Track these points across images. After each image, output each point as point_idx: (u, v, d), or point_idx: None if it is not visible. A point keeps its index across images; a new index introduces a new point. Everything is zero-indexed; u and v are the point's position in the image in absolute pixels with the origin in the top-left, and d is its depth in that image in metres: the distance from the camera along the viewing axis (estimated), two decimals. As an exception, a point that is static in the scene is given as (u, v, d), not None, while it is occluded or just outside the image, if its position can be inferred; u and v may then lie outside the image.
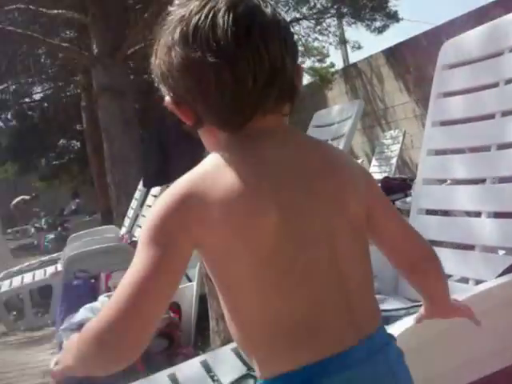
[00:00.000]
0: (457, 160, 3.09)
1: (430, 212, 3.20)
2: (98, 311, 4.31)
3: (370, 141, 13.62)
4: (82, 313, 4.41)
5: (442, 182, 3.19)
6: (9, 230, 20.97)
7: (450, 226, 3.01)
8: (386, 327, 2.19)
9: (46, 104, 19.72)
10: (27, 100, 19.92)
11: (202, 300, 4.23)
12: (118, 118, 11.02)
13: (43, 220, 20.10)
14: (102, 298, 4.55)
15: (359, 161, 12.72)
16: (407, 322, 1.90)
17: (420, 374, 1.90)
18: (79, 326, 4.25)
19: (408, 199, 6.51)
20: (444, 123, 3.24)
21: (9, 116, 19.72)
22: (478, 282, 2.73)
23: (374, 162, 11.39)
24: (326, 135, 5.42)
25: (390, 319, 2.61)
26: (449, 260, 2.92)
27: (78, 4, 11.88)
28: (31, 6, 11.52)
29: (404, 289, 3.10)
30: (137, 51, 12.38)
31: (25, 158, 20.45)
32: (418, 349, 1.86)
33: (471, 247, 2.87)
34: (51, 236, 15.29)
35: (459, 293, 2.68)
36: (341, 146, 4.99)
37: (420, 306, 2.64)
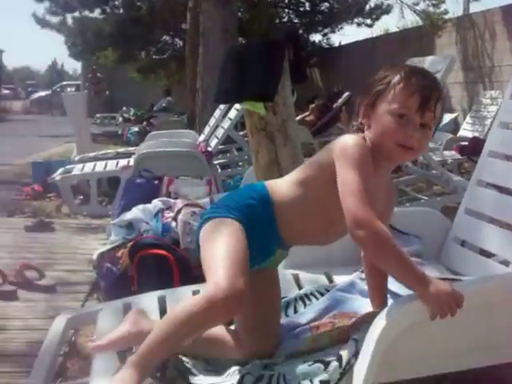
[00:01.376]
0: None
1: (489, 186, 3.12)
2: (149, 213, 4.42)
3: (470, 96, 13.19)
4: (134, 212, 4.52)
5: (509, 158, 3.06)
6: (97, 115, 21.39)
7: (505, 205, 2.91)
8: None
9: (155, -2, 19.72)
10: (138, -10, 19.94)
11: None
12: (218, 25, 10.98)
13: (132, 111, 20.40)
14: (155, 201, 4.64)
15: (454, 115, 12.41)
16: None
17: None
18: (128, 224, 4.37)
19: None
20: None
21: (116, 3, 19.76)
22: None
23: (468, 118, 11.02)
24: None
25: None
26: (495, 238, 2.87)
27: None
28: None
29: (447, 258, 3.07)
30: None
31: (126, 47, 20.53)
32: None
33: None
34: (135, 129, 15.52)
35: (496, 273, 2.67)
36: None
37: (457, 280, 2.64)
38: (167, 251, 3.95)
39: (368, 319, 2.01)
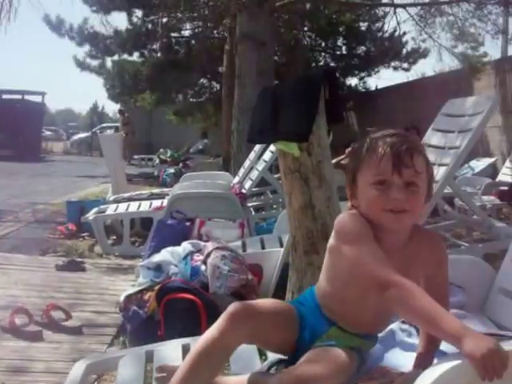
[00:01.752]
0: None
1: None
2: (178, 255, 4.26)
3: (509, 141, 12.95)
4: (163, 254, 4.38)
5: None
6: (135, 157, 21.58)
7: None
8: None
9: (193, 42, 19.87)
10: (175, 35, 20.07)
11: (285, 269, 4.09)
12: (253, 67, 10.95)
13: (169, 153, 20.52)
14: (185, 243, 4.50)
15: (493, 159, 12.16)
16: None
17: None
18: (156, 267, 4.22)
19: (531, 211, 6.14)
20: None
21: (155, 47, 19.92)
22: None
23: (507, 163, 10.79)
24: (453, 126, 5.14)
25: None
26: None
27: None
28: None
29: (492, 310, 2.85)
30: (286, 5, 12.26)
31: (164, 90, 20.73)
32: None
33: None
34: (171, 170, 15.58)
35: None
36: (465, 141, 4.71)
37: (495, 335, 2.42)
38: (195, 295, 3.81)
39: (409, 380, 1.82)
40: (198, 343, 1.96)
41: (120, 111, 23.78)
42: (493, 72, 13.79)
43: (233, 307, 1.95)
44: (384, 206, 1.91)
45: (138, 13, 18.85)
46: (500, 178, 10.29)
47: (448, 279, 2.17)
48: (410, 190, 1.90)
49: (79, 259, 6.46)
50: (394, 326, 2.47)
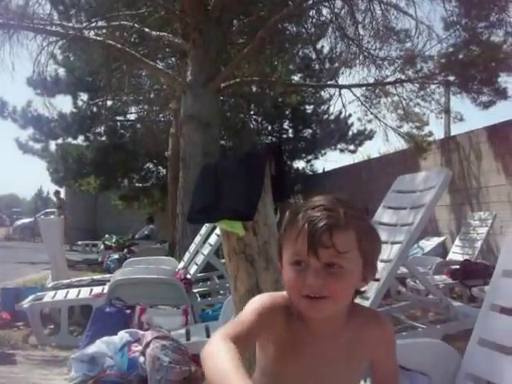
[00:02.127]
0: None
1: (505, 311, 2.67)
2: (114, 346, 3.92)
3: (457, 219, 12.98)
4: (97, 345, 4.05)
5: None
6: (79, 243, 21.18)
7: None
8: None
9: (138, 125, 19.83)
10: (121, 118, 20.06)
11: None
12: (198, 148, 10.78)
13: (114, 239, 20.16)
14: (122, 333, 4.17)
15: (442, 238, 12.16)
16: None
17: None
18: (90, 359, 3.89)
19: (486, 288, 5.99)
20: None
21: (100, 130, 19.82)
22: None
23: (457, 241, 10.77)
24: (405, 202, 4.98)
25: None
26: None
27: (181, 30, 11.77)
28: (136, 25, 11.55)
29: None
30: (231, 86, 12.23)
31: (108, 174, 20.65)
32: None
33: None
34: (115, 256, 15.20)
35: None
36: (419, 217, 4.54)
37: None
38: (133, 392, 3.46)
39: None
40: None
41: (55, 193, 23.33)
42: (438, 151, 13.94)
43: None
44: (300, 291, 1.62)
45: (83, 96, 18.79)
46: (450, 256, 10.28)
47: (397, 365, 1.89)
48: (331, 272, 1.59)
49: (11, 351, 6.05)
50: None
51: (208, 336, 4.71)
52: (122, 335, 4.09)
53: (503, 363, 2.51)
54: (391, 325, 1.90)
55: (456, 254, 10.23)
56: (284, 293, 1.73)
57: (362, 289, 1.75)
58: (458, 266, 8.25)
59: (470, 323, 4.37)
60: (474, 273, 7.73)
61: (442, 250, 11.65)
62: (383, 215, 5.17)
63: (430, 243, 11.84)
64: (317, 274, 1.59)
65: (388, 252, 4.57)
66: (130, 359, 3.81)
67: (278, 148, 3.73)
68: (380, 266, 4.57)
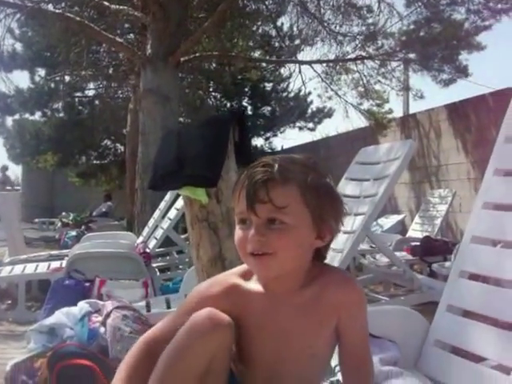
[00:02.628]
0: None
1: (473, 277, 2.64)
2: (74, 317, 3.83)
3: (417, 197, 13.05)
4: (56, 316, 3.94)
5: (496, 243, 2.61)
6: (36, 220, 20.93)
7: (495, 298, 2.44)
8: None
9: (96, 102, 19.57)
10: (79, 94, 19.77)
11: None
12: (158, 122, 10.66)
13: (71, 216, 19.96)
14: (81, 303, 4.07)
15: (401, 216, 12.21)
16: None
17: None
18: (49, 330, 3.81)
19: (447, 264, 6.05)
20: (509, 173, 2.68)
21: (58, 106, 19.50)
22: (521, 375, 2.17)
23: (417, 219, 10.83)
24: (368, 174, 4.94)
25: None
26: (488, 340, 2.37)
27: (141, 3, 11.60)
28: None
29: (428, 365, 2.55)
30: (191, 60, 12.11)
31: (66, 151, 20.43)
32: None
33: (517, 328, 2.31)
34: (73, 233, 15.00)
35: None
36: (382, 188, 4.50)
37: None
38: (93, 361, 3.37)
39: None
40: (169, 350, 1.63)
41: (2, 168, 22.88)
42: (398, 129, 13.98)
43: (208, 313, 1.64)
44: (246, 249, 1.62)
45: (41, 72, 18.45)
46: (410, 234, 10.32)
47: (367, 333, 1.86)
48: (273, 228, 1.58)
49: (-33, 326, 5.88)
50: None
51: (168, 308, 4.66)
52: (82, 306, 4.00)
53: (471, 329, 2.49)
54: (361, 289, 1.85)
55: (415, 231, 10.27)
56: (244, 265, 1.76)
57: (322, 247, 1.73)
58: (417, 243, 8.27)
59: (433, 295, 4.39)
60: (434, 249, 7.74)
61: (402, 227, 11.69)
62: (346, 187, 5.13)
63: (389, 221, 11.87)
64: (257, 230, 1.58)
65: (351, 223, 4.53)
66: (90, 330, 3.72)
67: (241, 113, 3.67)
68: (343, 237, 4.53)
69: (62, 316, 3.91)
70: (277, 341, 1.71)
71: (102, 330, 3.71)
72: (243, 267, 1.79)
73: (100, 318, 3.80)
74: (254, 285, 1.73)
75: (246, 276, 1.76)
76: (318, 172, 1.69)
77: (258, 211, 1.58)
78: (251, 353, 1.70)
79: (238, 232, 1.64)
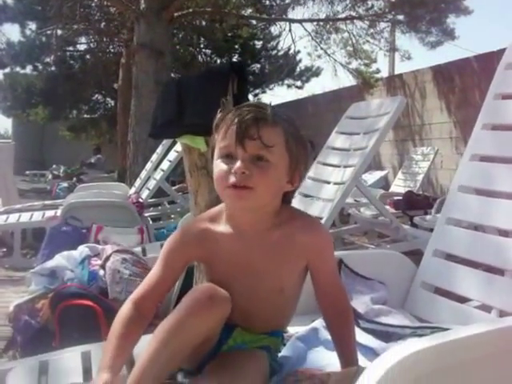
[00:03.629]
0: (505, 171, 2.59)
1: (459, 224, 2.73)
2: (74, 260, 3.89)
3: (400, 154, 13.15)
4: (57, 259, 3.99)
5: (482, 193, 2.69)
6: (27, 172, 20.84)
7: (480, 244, 2.53)
8: (388, 344, 1.73)
9: (88, 56, 19.40)
10: (70, 48, 19.56)
11: (189, 273, 3.79)
12: (151, 76, 10.68)
13: (62, 168, 19.94)
14: (81, 247, 4.13)
15: (384, 172, 12.30)
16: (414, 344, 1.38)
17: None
18: (50, 273, 3.86)
19: (428, 217, 6.11)
20: (497, 127, 2.75)
21: (49, 60, 19.29)
22: (502, 313, 2.26)
23: (399, 175, 10.92)
24: (358, 128, 4.99)
25: (393, 336, 2.17)
26: (472, 282, 2.46)
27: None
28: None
29: (414, 305, 2.65)
30: (184, 16, 12.05)
31: (57, 105, 20.24)
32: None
33: (501, 272, 2.40)
34: (64, 184, 15.02)
35: (478, 322, 2.24)
36: (372, 142, 4.57)
37: (428, 327, 2.22)
38: (94, 302, 3.44)
39: (344, 381, 1.60)
40: (165, 326, 1.65)
41: None
42: (384, 88, 14.01)
43: (207, 290, 1.69)
44: (227, 182, 1.66)
45: (32, 25, 18.20)
46: (393, 189, 10.39)
47: (337, 275, 1.97)
48: (258, 164, 1.65)
49: (-36, 271, 5.92)
50: (317, 323, 2.21)
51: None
52: (82, 249, 4.05)
53: (456, 272, 2.57)
54: (328, 234, 1.94)
55: (398, 186, 10.36)
56: (212, 210, 1.87)
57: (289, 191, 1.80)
58: (400, 197, 8.35)
59: (418, 243, 4.49)
60: (416, 203, 7.81)
61: (385, 183, 11.78)
62: (336, 140, 5.18)
63: (372, 176, 11.93)
64: (243, 163, 1.63)
65: (341, 175, 4.60)
66: (90, 272, 3.78)
67: (240, 66, 3.69)
68: (334, 187, 4.61)
69: (63, 259, 3.96)
70: (248, 278, 1.78)
71: (102, 272, 3.77)
72: (210, 212, 1.87)
73: (99, 262, 3.87)
74: (224, 227, 1.79)
75: (214, 220, 1.82)
76: (297, 126, 1.77)
77: (247, 146, 1.63)
78: (226, 289, 1.72)
79: (221, 165, 1.68)
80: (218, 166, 1.70)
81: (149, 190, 7.98)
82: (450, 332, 1.51)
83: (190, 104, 3.32)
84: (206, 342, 1.72)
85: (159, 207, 8.64)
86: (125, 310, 1.78)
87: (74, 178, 16.57)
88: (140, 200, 7.46)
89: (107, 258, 3.80)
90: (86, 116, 22.73)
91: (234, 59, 20.82)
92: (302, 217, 1.85)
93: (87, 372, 2.04)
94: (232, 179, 1.65)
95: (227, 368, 1.70)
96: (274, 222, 1.78)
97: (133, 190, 8.53)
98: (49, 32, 16.77)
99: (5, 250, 7.15)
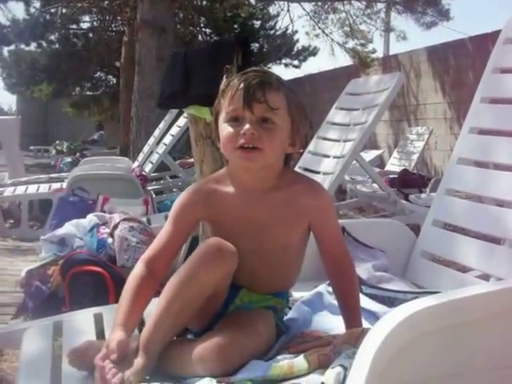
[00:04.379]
0: (502, 143, 2.60)
1: (458, 194, 2.75)
2: (83, 228, 3.91)
3: (395, 134, 13.16)
4: (67, 227, 4.01)
5: (480, 165, 2.70)
6: (31, 147, 20.81)
7: (479, 214, 2.54)
8: (390, 308, 1.75)
9: (90, 34, 19.34)
10: (74, 27, 19.48)
11: (194, 243, 3.81)
12: (154, 53, 10.72)
13: (65, 144, 19.91)
14: (90, 216, 4.14)
15: (380, 151, 12.30)
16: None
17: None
18: (60, 240, 3.87)
19: (423, 195, 6.12)
20: (495, 101, 2.76)
21: (53, 38, 19.22)
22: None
23: (395, 154, 10.96)
24: (357, 104, 4.99)
25: (395, 301, 2.19)
26: (471, 251, 2.48)
27: None
28: None
29: (414, 273, 2.67)
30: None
31: (60, 82, 20.26)
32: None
33: (498, 241, 2.42)
34: (68, 159, 14.99)
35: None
36: (371, 117, 4.57)
37: (430, 292, 2.24)
38: (103, 268, 3.47)
39: (350, 340, 1.60)
40: (176, 278, 1.68)
41: None
42: (380, 68, 13.97)
43: (215, 243, 1.71)
44: (235, 144, 1.70)
45: (36, 3, 18.08)
46: (388, 167, 10.42)
47: (340, 231, 2.03)
48: (265, 126, 1.70)
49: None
50: (321, 288, 2.23)
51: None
52: (91, 218, 4.07)
53: (455, 241, 2.58)
54: (330, 196, 2.03)
55: (393, 165, 10.40)
56: (217, 172, 1.90)
57: (291, 152, 1.83)
58: (395, 176, 8.37)
59: (415, 217, 4.51)
60: (411, 182, 7.83)
61: (380, 162, 11.79)
62: (336, 116, 5.17)
63: (368, 155, 11.89)
64: (251, 125, 1.67)
65: (341, 149, 4.60)
66: (99, 240, 3.80)
67: (245, 39, 3.69)
68: (333, 161, 4.61)
69: (72, 227, 3.98)
70: (254, 236, 1.80)
71: (110, 240, 3.79)
72: (217, 174, 1.90)
73: (108, 230, 3.88)
74: (230, 187, 1.82)
75: (221, 181, 1.85)
76: (297, 94, 1.83)
77: (255, 109, 1.68)
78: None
79: (229, 128, 1.71)
80: (226, 128, 1.72)
81: (152, 163, 8.01)
82: (456, 291, 1.53)
83: (197, 75, 3.33)
84: (213, 300, 1.74)
85: (161, 181, 8.66)
86: (137, 270, 1.80)
87: (78, 154, 16.53)
88: (143, 173, 7.47)
89: (115, 226, 3.82)
90: (88, 93, 22.72)
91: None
92: (304, 179, 1.90)
93: (100, 332, 2.05)
94: (241, 141, 1.68)
95: (237, 324, 1.71)
96: (278, 183, 1.82)
97: (136, 163, 8.54)
98: (53, 10, 16.71)
99: (12, 221, 7.17)
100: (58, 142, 20.92)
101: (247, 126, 1.68)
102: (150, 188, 7.57)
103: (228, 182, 1.84)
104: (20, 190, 7.27)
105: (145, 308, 1.77)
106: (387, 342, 1.29)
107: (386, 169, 10.32)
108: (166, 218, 4.86)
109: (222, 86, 1.82)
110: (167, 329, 1.66)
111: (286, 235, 1.84)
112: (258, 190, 1.81)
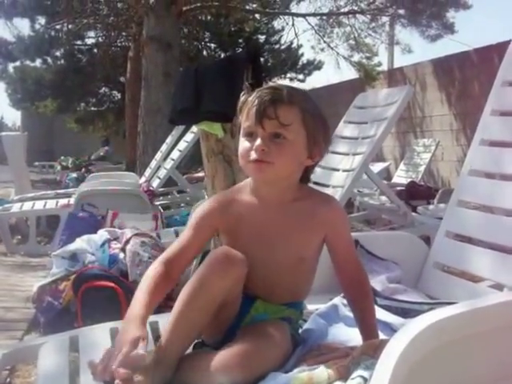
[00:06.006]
0: (512, 155, 2.63)
1: (470, 206, 2.77)
2: (95, 243, 3.93)
3: (401, 146, 13.19)
4: (78, 243, 4.02)
5: (491, 176, 2.73)
6: (36, 163, 20.83)
7: (491, 225, 2.57)
8: (406, 320, 1.76)
9: (95, 50, 19.41)
10: (79, 42, 19.60)
11: (206, 255, 3.83)
12: (160, 69, 10.80)
13: (70, 160, 19.95)
14: (101, 231, 4.17)
15: (387, 164, 12.31)
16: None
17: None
18: (71, 256, 3.89)
19: (430, 207, 6.13)
20: (505, 113, 2.79)
21: (58, 54, 19.33)
22: (514, 292, 2.31)
23: (401, 166, 10.98)
24: (366, 117, 5.02)
25: (411, 312, 2.21)
26: (484, 261, 2.50)
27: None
28: None
29: (427, 284, 2.69)
30: (192, 10, 12.09)
31: (65, 97, 20.27)
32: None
33: (511, 250, 2.44)
34: (73, 175, 15.03)
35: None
36: (380, 130, 4.60)
37: (445, 303, 2.26)
38: (115, 283, 3.49)
39: (368, 351, 1.61)
40: (187, 287, 1.71)
41: None
42: (385, 81, 14.01)
43: (223, 251, 1.76)
44: (248, 158, 1.78)
45: (41, 20, 18.19)
46: (395, 180, 10.41)
47: (353, 244, 2.05)
48: (275, 141, 1.75)
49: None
50: (336, 300, 2.25)
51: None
52: (102, 233, 4.09)
53: (467, 251, 2.61)
54: (344, 210, 2.04)
55: (400, 177, 10.42)
56: (240, 183, 1.96)
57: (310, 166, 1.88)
58: (403, 188, 8.38)
59: (425, 229, 4.51)
60: (418, 194, 7.85)
61: (387, 174, 11.82)
62: (344, 130, 5.21)
63: (374, 168, 11.89)
64: (262, 141, 1.74)
65: (350, 162, 4.63)
66: (110, 255, 3.81)
67: (255, 54, 3.73)
68: (343, 174, 4.64)
69: (83, 243, 4.00)
70: (270, 247, 1.84)
71: (122, 255, 3.81)
72: (239, 185, 1.96)
73: (119, 245, 3.90)
74: (249, 199, 1.88)
75: (241, 192, 1.91)
76: (315, 103, 1.87)
77: (266, 125, 1.73)
78: (248, 258, 1.79)
79: (244, 143, 1.79)
80: (242, 143, 1.80)
81: (159, 178, 8.02)
82: (476, 301, 1.55)
83: (208, 92, 3.36)
84: (226, 308, 1.77)
85: (169, 196, 8.68)
86: (153, 268, 1.83)
87: (83, 169, 16.56)
88: (151, 189, 7.50)
89: (127, 241, 3.84)
90: (93, 108, 22.71)
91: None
92: (319, 194, 1.95)
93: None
94: (253, 155, 1.75)
95: (256, 335, 1.74)
96: (295, 196, 1.87)
97: (143, 179, 8.55)
98: (58, 26, 16.81)
99: (19, 237, 7.17)
100: (62, 157, 20.97)
101: (259, 141, 1.74)
102: (157, 203, 7.58)
103: (248, 192, 1.89)
104: (27, 206, 7.27)
105: (156, 305, 1.80)
106: (408, 352, 1.30)
107: (392, 181, 10.33)
108: (176, 232, 4.89)
109: (240, 103, 1.85)
110: (184, 337, 1.71)
111: (302, 248, 1.88)
112: (275, 201, 1.86)
